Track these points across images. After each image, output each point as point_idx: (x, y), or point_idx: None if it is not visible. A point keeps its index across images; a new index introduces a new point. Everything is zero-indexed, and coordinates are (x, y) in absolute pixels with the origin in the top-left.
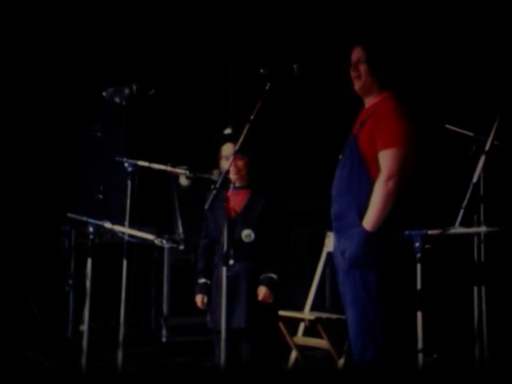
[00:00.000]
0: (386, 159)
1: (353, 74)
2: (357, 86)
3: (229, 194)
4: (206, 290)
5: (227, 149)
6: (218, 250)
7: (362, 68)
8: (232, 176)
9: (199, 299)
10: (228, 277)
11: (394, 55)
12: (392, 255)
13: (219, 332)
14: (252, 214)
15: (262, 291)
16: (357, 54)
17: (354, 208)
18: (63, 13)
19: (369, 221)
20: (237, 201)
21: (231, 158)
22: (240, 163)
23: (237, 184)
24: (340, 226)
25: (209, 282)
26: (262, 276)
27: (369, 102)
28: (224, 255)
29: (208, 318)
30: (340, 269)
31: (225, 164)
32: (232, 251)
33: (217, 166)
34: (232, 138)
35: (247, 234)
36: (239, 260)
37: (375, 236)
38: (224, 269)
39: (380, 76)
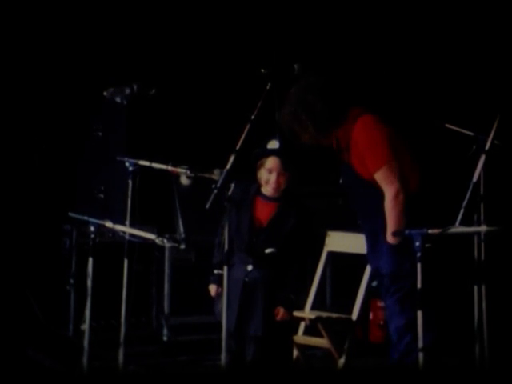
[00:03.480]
0: (384, 178)
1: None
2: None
3: (257, 200)
4: (221, 281)
5: (272, 162)
6: (237, 251)
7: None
8: (270, 190)
9: (213, 289)
10: (245, 282)
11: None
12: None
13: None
14: (278, 232)
15: (281, 312)
16: None
17: (383, 229)
18: (64, 12)
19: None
20: (264, 212)
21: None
22: (281, 179)
23: (266, 193)
24: (373, 242)
25: None
26: (281, 295)
27: (343, 126)
28: (225, 254)
29: (215, 310)
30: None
31: (264, 175)
32: (251, 260)
33: (254, 175)
34: (278, 153)
35: (270, 252)
36: (259, 267)
37: (403, 247)
38: (225, 268)
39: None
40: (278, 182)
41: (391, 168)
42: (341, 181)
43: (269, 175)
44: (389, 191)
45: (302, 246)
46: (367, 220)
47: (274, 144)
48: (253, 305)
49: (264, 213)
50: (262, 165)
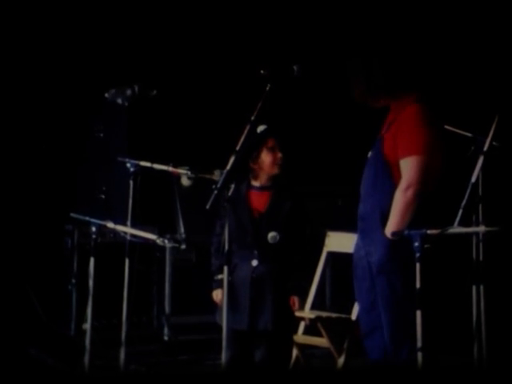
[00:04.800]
0: (407, 167)
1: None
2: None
3: (251, 193)
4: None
5: (272, 140)
6: (238, 250)
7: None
8: (276, 169)
9: (219, 293)
10: (253, 278)
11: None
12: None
13: (237, 331)
14: (277, 215)
15: (296, 301)
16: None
17: (377, 211)
18: (65, 13)
19: (390, 229)
20: (260, 201)
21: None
22: (279, 155)
23: (257, 184)
24: (364, 226)
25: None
26: (292, 283)
27: (395, 103)
28: (226, 254)
29: (217, 316)
30: (359, 266)
31: (267, 156)
32: (256, 252)
33: (255, 161)
34: (269, 133)
35: (273, 236)
36: (264, 261)
37: (399, 242)
38: (225, 268)
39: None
40: (279, 158)
41: (419, 161)
42: (369, 154)
43: (272, 154)
44: (403, 182)
45: (301, 230)
46: (368, 197)
47: (262, 127)
48: (262, 300)
49: (260, 202)
50: (263, 148)
